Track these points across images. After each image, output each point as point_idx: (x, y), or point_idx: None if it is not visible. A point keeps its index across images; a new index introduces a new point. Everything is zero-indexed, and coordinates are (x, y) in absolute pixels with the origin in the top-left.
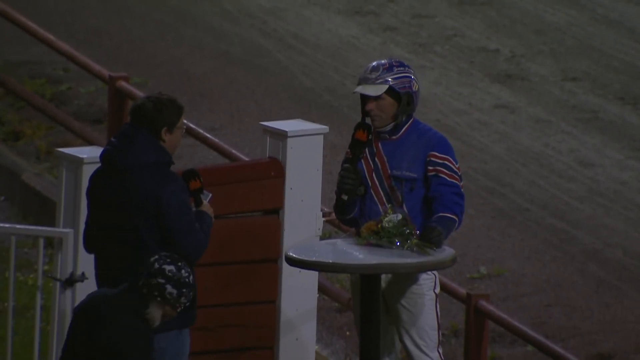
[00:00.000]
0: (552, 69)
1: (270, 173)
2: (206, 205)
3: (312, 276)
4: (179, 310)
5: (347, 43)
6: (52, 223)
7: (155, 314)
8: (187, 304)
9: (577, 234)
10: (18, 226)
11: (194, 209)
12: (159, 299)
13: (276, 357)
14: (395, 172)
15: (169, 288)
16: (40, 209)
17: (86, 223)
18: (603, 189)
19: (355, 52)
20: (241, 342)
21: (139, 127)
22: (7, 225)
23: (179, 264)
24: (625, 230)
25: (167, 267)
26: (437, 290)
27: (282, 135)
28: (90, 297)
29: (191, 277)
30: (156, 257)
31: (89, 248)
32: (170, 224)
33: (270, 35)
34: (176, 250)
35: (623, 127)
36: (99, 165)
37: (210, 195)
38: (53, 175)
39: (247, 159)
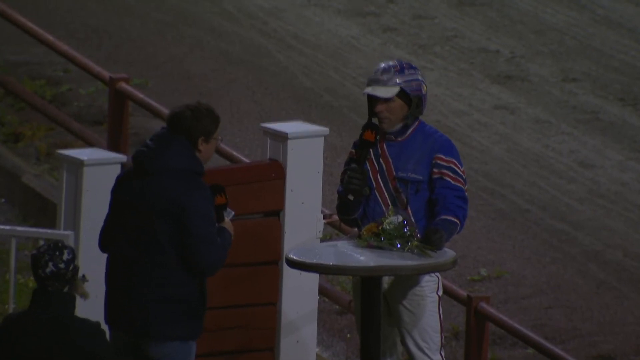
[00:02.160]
0: (552, 70)
1: (271, 175)
2: (227, 223)
3: (313, 278)
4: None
5: (347, 44)
6: (52, 225)
7: (83, 289)
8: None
9: (578, 235)
10: (18, 228)
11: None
12: (76, 277)
13: (277, 359)
14: (401, 174)
15: (76, 263)
16: (40, 210)
17: (105, 222)
18: (603, 190)
19: (355, 53)
20: (242, 344)
21: (175, 134)
22: (7, 227)
23: (57, 252)
24: (625, 232)
25: (62, 257)
26: (440, 292)
27: (282, 137)
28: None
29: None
30: (47, 262)
31: (103, 247)
32: (193, 232)
33: (271, 35)
34: (194, 259)
35: (623, 128)
36: (98, 167)
37: (233, 213)
38: (53, 177)
39: (247, 160)
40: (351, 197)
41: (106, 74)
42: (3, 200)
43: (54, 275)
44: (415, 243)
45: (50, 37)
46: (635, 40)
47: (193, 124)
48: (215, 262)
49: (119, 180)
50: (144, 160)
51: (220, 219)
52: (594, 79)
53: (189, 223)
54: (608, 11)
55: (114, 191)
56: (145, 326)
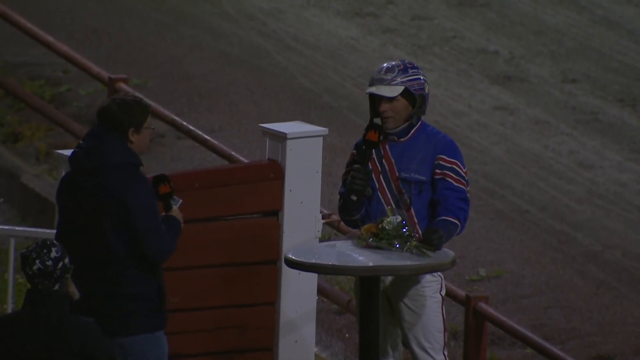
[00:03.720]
0: (551, 71)
1: (270, 175)
2: (175, 211)
3: (312, 278)
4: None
5: (347, 44)
6: (51, 225)
7: (74, 289)
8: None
9: (577, 236)
10: (17, 228)
11: (162, 213)
12: (67, 275)
13: (275, 359)
14: (404, 175)
15: (66, 262)
16: (39, 210)
17: (57, 227)
18: (602, 191)
19: (354, 54)
20: (241, 344)
21: (106, 129)
22: (6, 227)
23: (44, 249)
24: (624, 232)
25: (50, 255)
26: (443, 292)
27: (281, 137)
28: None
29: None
30: (34, 259)
31: None
32: (136, 225)
33: (270, 36)
34: (144, 252)
35: (622, 129)
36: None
37: (181, 201)
38: (52, 177)
39: (246, 160)
40: (354, 198)
41: (105, 74)
42: (2, 200)
43: (42, 273)
44: (414, 243)
45: (50, 38)
46: (635, 41)
47: (121, 116)
48: (161, 251)
49: (61, 183)
50: (80, 160)
51: (168, 207)
52: (594, 80)
53: (132, 218)
54: (607, 12)
55: (58, 195)
56: (108, 325)
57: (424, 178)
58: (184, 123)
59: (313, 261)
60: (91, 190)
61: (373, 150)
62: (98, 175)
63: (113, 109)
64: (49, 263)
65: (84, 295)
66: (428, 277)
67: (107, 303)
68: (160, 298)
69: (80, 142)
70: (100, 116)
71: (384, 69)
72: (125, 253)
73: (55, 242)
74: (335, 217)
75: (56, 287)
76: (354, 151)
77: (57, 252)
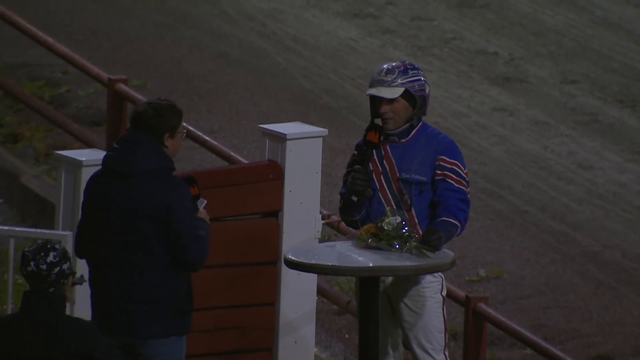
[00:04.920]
0: (551, 72)
1: (270, 176)
2: (202, 212)
3: (311, 279)
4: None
5: (346, 45)
6: (51, 225)
7: (71, 294)
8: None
9: (576, 236)
10: (17, 228)
11: None
12: (64, 281)
13: (275, 359)
14: (404, 175)
15: (64, 267)
16: (39, 211)
17: (79, 227)
18: (602, 192)
19: (354, 55)
20: (240, 344)
21: (141, 133)
22: (5, 227)
23: (42, 252)
24: (624, 233)
25: (46, 259)
26: (444, 293)
27: (281, 138)
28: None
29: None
30: (29, 261)
31: (81, 253)
32: (180, 230)
33: (270, 37)
34: (183, 255)
35: (622, 130)
36: (97, 168)
37: (205, 202)
38: (52, 178)
39: (246, 161)
40: (354, 198)
41: (105, 75)
42: (2, 200)
43: (34, 275)
44: (414, 244)
45: (49, 39)
46: (634, 41)
47: (157, 121)
48: (202, 255)
49: (91, 184)
50: (116, 165)
51: (195, 209)
52: (593, 81)
53: (175, 221)
54: (607, 13)
55: (88, 196)
56: (136, 327)
57: (424, 179)
58: (184, 123)
59: (313, 262)
60: (129, 194)
61: (374, 151)
62: (135, 179)
63: (149, 113)
64: (43, 267)
65: (107, 298)
66: (429, 277)
67: (135, 306)
68: (189, 301)
69: (115, 145)
70: (135, 120)
71: (384, 70)
72: (160, 257)
73: (57, 246)
74: (335, 217)
75: (50, 290)
76: (355, 152)
77: (54, 257)
